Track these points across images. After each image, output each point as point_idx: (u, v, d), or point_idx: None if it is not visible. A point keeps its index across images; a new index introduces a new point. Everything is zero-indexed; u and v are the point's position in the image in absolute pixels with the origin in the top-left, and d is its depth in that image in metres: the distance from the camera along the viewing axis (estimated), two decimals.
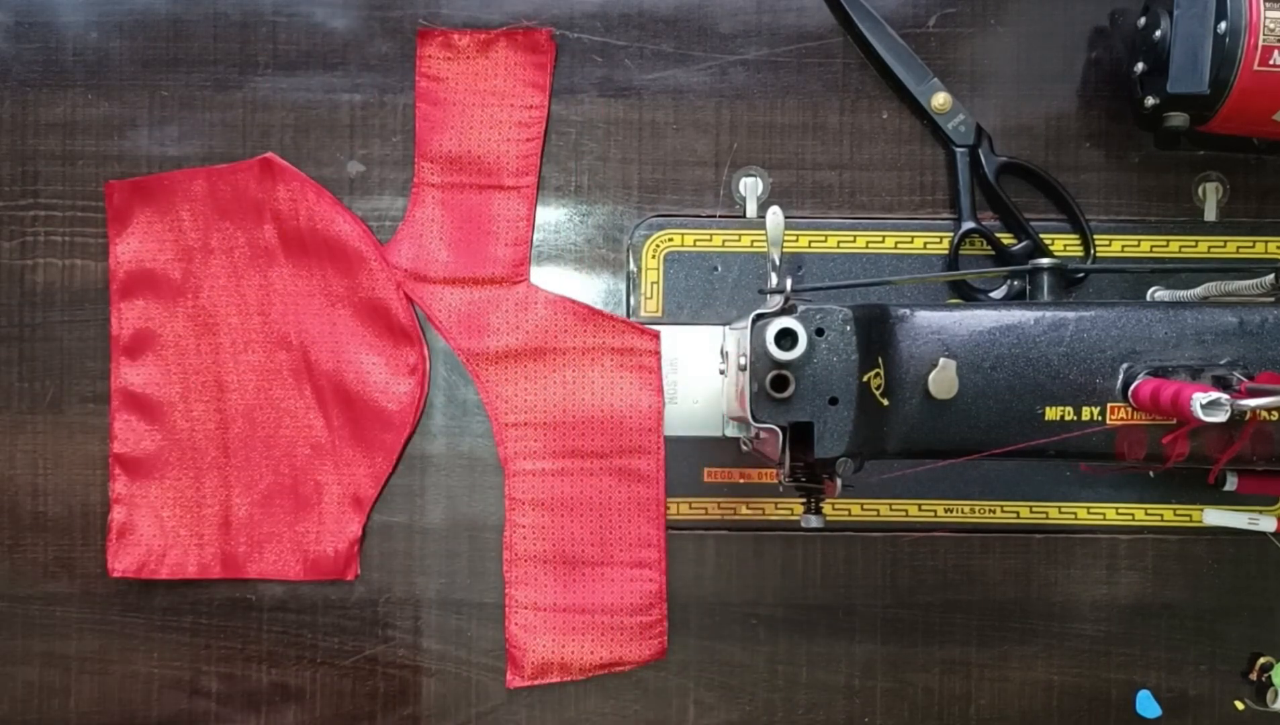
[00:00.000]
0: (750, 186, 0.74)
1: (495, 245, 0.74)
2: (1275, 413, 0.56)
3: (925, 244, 0.74)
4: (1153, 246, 0.74)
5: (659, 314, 0.74)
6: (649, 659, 0.73)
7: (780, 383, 0.55)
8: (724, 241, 0.74)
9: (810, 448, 0.56)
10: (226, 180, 0.74)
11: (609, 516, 0.73)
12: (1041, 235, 0.73)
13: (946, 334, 0.57)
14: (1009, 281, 0.73)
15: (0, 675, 0.75)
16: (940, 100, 0.72)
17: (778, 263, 0.61)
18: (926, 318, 0.58)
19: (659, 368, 0.73)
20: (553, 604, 0.73)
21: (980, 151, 0.72)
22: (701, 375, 0.73)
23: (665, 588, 0.73)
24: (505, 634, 0.74)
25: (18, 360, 0.75)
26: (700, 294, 0.74)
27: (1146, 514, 0.74)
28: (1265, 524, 0.72)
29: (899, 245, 0.74)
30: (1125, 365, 0.56)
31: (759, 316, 0.55)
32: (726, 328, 0.71)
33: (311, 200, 0.73)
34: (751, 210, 0.74)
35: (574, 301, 0.74)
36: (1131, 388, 0.55)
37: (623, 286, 0.75)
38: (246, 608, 0.75)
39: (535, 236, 0.74)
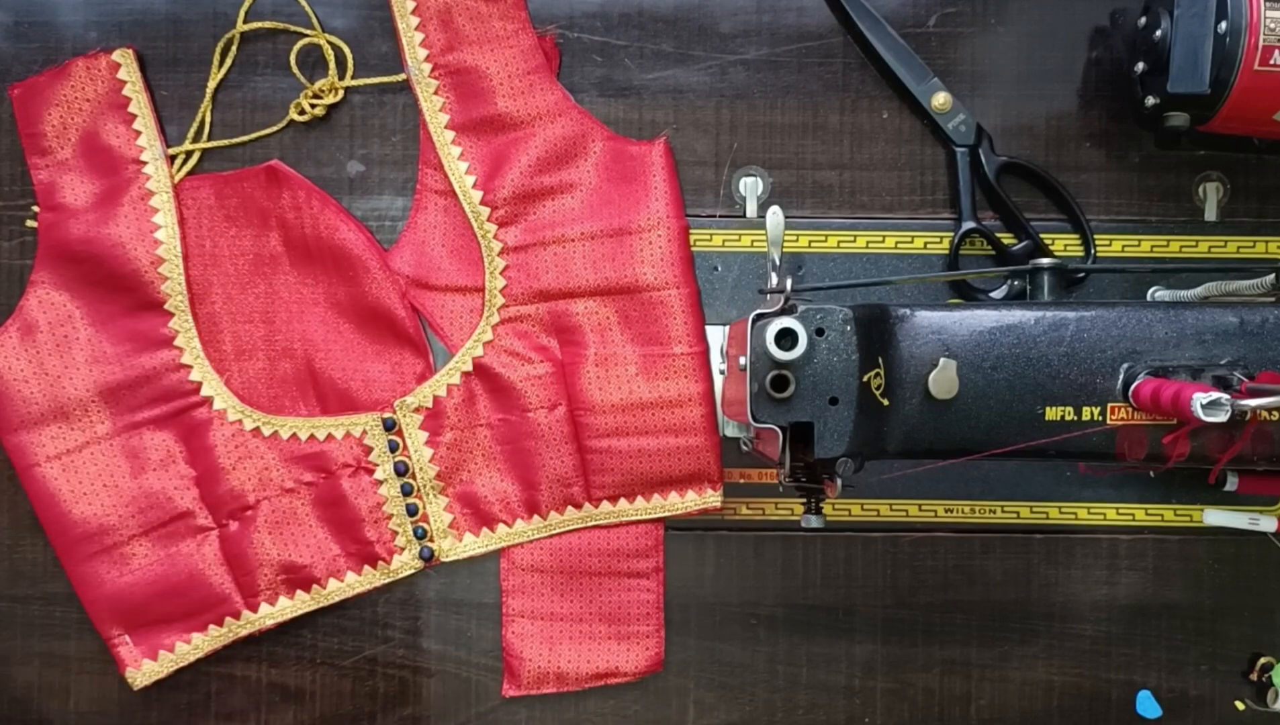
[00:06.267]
0: (750, 186, 0.74)
1: None
2: (1276, 413, 0.55)
3: (925, 244, 0.74)
4: (1153, 246, 0.74)
5: None
6: (645, 670, 0.73)
7: (780, 383, 0.55)
8: (724, 241, 0.74)
9: (810, 448, 0.56)
10: (232, 186, 0.73)
11: (606, 526, 0.73)
12: (1042, 235, 0.73)
13: (946, 334, 0.57)
14: (1009, 281, 0.73)
15: (0, 675, 0.74)
16: (940, 100, 0.72)
17: (778, 263, 0.61)
18: (926, 318, 0.57)
19: None
20: (550, 613, 0.73)
21: (980, 151, 0.72)
22: None
23: (663, 598, 0.73)
24: (503, 642, 0.73)
25: None
26: (700, 294, 0.74)
27: (1147, 514, 0.74)
28: (1265, 524, 0.71)
29: (899, 245, 0.74)
30: (1126, 365, 0.56)
31: (759, 316, 0.55)
32: (726, 328, 0.71)
33: (316, 207, 0.72)
34: (751, 210, 0.74)
35: None
36: (1132, 388, 0.55)
37: None
38: None
39: None
